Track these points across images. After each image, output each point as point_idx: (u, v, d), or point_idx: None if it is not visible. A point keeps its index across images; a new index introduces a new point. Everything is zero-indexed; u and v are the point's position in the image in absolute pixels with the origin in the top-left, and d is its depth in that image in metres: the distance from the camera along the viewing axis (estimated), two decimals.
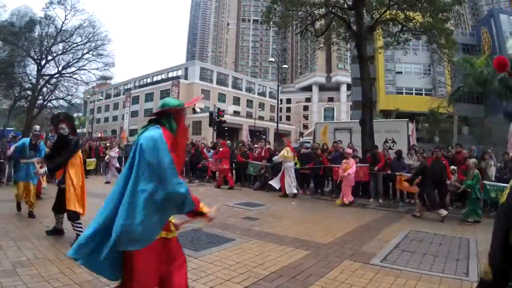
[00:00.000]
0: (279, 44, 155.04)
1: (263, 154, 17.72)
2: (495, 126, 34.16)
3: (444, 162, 12.49)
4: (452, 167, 12.65)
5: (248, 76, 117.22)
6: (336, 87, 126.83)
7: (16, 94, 41.38)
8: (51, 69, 42.09)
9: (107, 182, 16.79)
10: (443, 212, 10.81)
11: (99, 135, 66.96)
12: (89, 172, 18.67)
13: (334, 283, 5.07)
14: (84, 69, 43.52)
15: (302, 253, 6.49)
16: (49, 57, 41.07)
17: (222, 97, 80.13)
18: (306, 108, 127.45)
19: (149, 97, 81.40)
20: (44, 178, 11.02)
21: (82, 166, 7.00)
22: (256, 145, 19.75)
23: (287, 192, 14.57)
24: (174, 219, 3.27)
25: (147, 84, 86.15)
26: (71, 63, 42.51)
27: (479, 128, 37.01)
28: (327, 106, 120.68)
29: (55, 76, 41.98)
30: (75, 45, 42.20)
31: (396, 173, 13.73)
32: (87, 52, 42.89)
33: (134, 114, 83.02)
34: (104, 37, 43.16)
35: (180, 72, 79.37)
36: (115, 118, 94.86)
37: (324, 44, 22.88)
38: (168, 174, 2.86)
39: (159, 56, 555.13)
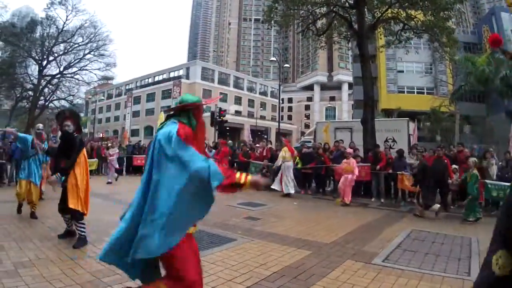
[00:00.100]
0: (281, 43, 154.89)
1: (264, 154, 17.75)
2: (497, 124, 34.16)
3: (445, 161, 12.49)
4: (454, 166, 12.64)
5: (250, 75, 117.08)
6: (338, 86, 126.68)
7: (18, 95, 41.48)
8: (52, 69, 42.28)
9: (109, 183, 16.81)
10: (436, 206, 10.90)
11: (101, 136, 66.99)
12: (90, 172, 18.63)
13: (336, 283, 5.07)
14: (86, 70, 43.71)
15: (304, 253, 6.48)
16: (51, 58, 41.19)
17: (223, 97, 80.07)
18: (307, 107, 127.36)
19: (150, 97, 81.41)
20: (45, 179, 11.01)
21: (87, 165, 6.96)
22: (257, 145, 19.76)
23: (284, 192, 14.63)
24: None
25: (148, 84, 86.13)
26: (72, 64, 42.65)
27: (481, 127, 37.01)
28: (329, 105, 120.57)
29: (57, 76, 42.10)
30: (76, 45, 42.33)
31: (397, 172, 13.72)
32: (89, 53, 43.07)
33: (135, 114, 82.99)
34: (105, 37, 43.34)
35: (181, 72, 79.31)
36: (116, 118, 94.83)
37: (325, 43, 22.90)
38: (189, 156, 2.91)
39: (161, 56, 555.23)
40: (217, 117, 28.44)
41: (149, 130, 76.16)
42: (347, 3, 18.74)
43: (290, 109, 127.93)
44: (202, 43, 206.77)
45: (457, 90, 38.55)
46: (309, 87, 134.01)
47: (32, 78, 41.25)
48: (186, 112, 3.24)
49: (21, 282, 4.57)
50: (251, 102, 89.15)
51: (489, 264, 2.83)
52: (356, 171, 13.21)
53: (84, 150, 7.00)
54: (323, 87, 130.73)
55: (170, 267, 3.01)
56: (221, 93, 79.40)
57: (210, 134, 36.76)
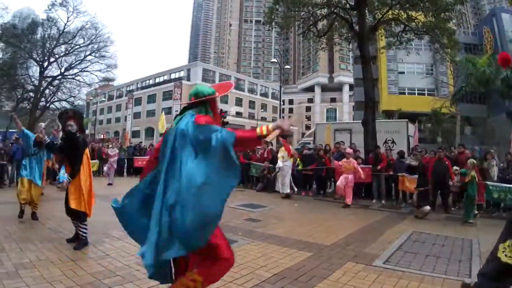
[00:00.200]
0: (281, 44, 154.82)
1: (265, 155, 17.75)
2: (498, 125, 34.16)
3: (446, 162, 12.48)
4: (455, 167, 12.62)
5: (251, 77, 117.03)
6: (339, 88, 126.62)
7: (19, 96, 41.53)
8: (53, 71, 42.37)
9: (110, 184, 16.82)
10: (426, 208, 10.98)
11: (102, 137, 67.06)
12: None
13: (337, 285, 5.06)
14: (87, 71, 43.79)
15: (304, 254, 6.48)
16: (52, 59, 41.28)
17: (224, 98, 79.76)
18: (308, 108, 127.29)
19: (151, 98, 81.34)
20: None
21: (90, 165, 6.95)
22: (258, 147, 19.76)
23: (280, 191, 14.70)
24: None
25: (149, 86, 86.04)
26: (73, 65, 42.73)
27: (482, 128, 36.96)
28: (330, 106, 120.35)
29: (58, 78, 42.17)
30: (77, 47, 42.42)
31: (398, 174, 13.71)
32: (90, 54, 43.15)
33: (136, 115, 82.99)
34: (106, 38, 43.43)
35: (182, 74, 79.28)
36: (117, 120, 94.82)
37: (326, 44, 22.91)
38: (210, 133, 2.92)
39: (162, 57, 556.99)
40: None
41: (150, 131, 76.11)
42: (348, 5, 18.77)
43: (291, 110, 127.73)
44: (203, 45, 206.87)
45: (458, 91, 38.54)
46: (310, 89, 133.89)
47: (33, 80, 41.36)
48: (203, 104, 3.29)
49: (22, 283, 4.57)
50: (252, 104, 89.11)
51: (496, 251, 2.86)
52: (360, 170, 13.23)
53: (87, 150, 6.97)
54: (324, 88, 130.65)
55: (203, 250, 3.03)
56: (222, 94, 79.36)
57: None
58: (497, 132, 32.77)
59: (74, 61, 42.81)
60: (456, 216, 11.17)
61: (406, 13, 18.20)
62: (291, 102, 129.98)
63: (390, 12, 18.19)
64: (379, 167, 14.31)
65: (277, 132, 3.05)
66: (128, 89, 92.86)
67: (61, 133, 9.74)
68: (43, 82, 41.17)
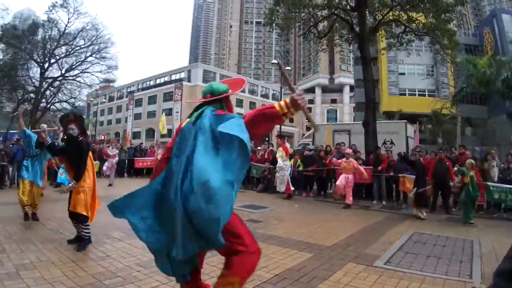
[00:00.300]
0: (282, 46, 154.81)
1: (266, 156, 17.75)
2: (499, 126, 34.14)
3: (447, 163, 12.48)
4: (456, 168, 12.62)
5: (251, 78, 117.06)
6: (339, 89, 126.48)
7: (20, 97, 41.59)
8: (54, 72, 42.46)
9: (110, 185, 16.81)
10: (423, 213, 11.13)
11: (102, 138, 67.16)
12: None
13: (338, 286, 5.06)
14: (87, 72, 43.89)
15: (305, 255, 6.47)
16: (52, 60, 41.36)
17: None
18: (309, 109, 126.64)
19: (152, 99, 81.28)
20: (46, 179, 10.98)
21: (93, 169, 6.89)
22: (259, 147, 19.74)
23: (277, 190, 14.77)
24: None
25: (150, 87, 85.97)
26: (74, 66, 42.79)
27: (482, 129, 36.92)
28: (330, 107, 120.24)
29: (58, 79, 42.25)
30: (78, 48, 42.49)
31: (399, 174, 13.71)
32: (90, 55, 43.22)
33: (137, 116, 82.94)
34: (107, 40, 43.49)
35: (183, 75, 79.21)
36: (118, 121, 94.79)
37: (327, 45, 22.92)
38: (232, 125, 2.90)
39: (162, 58, 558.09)
40: None
41: (150, 132, 76.09)
42: (348, 6, 18.77)
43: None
44: (203, 46, 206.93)
45: (459, 92, 38.51)
46: (311, 90, 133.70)
47: (33, 81, 41.43)
48: (218, 102, 3.27)
49: (23, 284, 4.58)
50: (252, 105, 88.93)
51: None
52: (362, 169, 13.25)
53: (90, 154, 6.91)
54: (325, 89, 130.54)
55: (232, 236, 3.05)
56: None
57: None
58: (498, 133, 32.75)
59: (74, 62, 42.93)
60: (457, 217, 11.17)
61: (406, 14, 18.22)
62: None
63: (390, 13, 18.20)
64: (379, 168, 14.32)
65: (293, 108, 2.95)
66: (128, 90, 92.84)
67: (61, 134, 9.72)
68: (44, 83, 41.26)
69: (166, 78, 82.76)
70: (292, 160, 16.19)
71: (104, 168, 17.90)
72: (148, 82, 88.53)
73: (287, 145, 16.31)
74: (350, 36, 20.62)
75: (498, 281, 2.92)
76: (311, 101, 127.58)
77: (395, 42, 20.05)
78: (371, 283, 5.18)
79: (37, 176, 8.51)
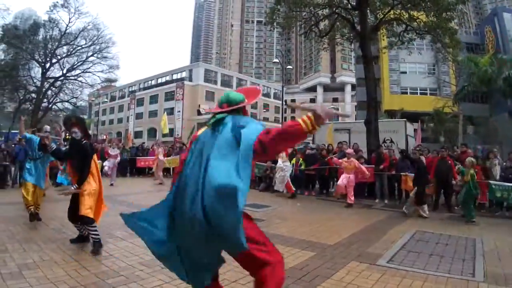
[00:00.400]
0: (283, 45, 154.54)
1: None
2: (500, 125, 34.13)
3: (449, 162, 12.49)
4: (458, 166, 12.61)
5: (253, 77, 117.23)
6: (341, 88, 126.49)
7: (21, 97, 41.57)
8: (55, 72, 42.43)
9: (111, 184, 16.81)
10: (426, 212, 11.19)
11: (104, 137, 67.13)
12: None
13: (341, 284, 5.06)
14: (89, 72, 43.83)
15: (308, 254, 6.48)
16: (54, 60, 41.35)
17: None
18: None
19: (153, 99, 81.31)
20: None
21: (98, 171, 6.80)
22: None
23: (275, 188, 14.79)
24: None
25: (151, 86, 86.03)
26: (75, 66, 42.77)
27: (484, 127, 36.88)
28: (332, 106, 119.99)
29: (60, 78, 42.23)
30: (79, 47, 42.46)
31: (401, 173, 13.71)
32: (92, 55, 43.19)
33: (139, 116, 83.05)
34: (108, 39, 43.44)
35: (184, 74, 79.27)
36: (120, 120, 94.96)
37: (328, 44, 22.93)
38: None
39: (164, 58, 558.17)
40: None
41: (152, 132, 76.18)
42: (349, 5, 18.72)
43: (293, 110, 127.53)
44: (204, 45, 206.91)
45: (460, 90, 38.45)
46: (312, 89, 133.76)
47: (35, 81, 41.39)
48: (235, 111, 3.21)
49: (26, 283, 4.58)
50: (254, 104, 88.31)
51: None
52: (364, 168, 13.24)
53: (95, 156, 6.86)
54: (326, 88, 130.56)
55: (254, 243, 3.01)
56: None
57: None
58: (500, 131, 32.75)
59: (76, 62, 42.91)
60: (459, 215, 11.15)
61: (407, 13, 18.20)
62: (293, 102, 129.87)
63: (391, 12, 18.18)
64: (381, 166, 14.30)
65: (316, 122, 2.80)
66: (130, 89, 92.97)
67: (63, 134, 9.68)
68: (45, 83, 41.24)
69: (168, 78, 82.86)
70: (294, 159, 16.18)
71: (106, 168, 17.91)
72: (150, 82, 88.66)
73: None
74: (351, 35, 20.60)
75: None
76: (313, 100, 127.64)
77: (396, 40, 20.04)
78: (373, 282, 5.18)
79: (40, 178, 8.48)
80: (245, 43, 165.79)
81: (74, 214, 6.39)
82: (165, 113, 36.86)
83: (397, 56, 46.06)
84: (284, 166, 14.79)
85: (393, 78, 49.04)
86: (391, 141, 18.45)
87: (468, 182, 10.69)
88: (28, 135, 8.70)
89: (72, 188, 6.37)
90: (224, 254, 3.15)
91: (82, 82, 44.01)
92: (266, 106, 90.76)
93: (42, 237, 6.94)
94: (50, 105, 43.67)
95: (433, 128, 41.78)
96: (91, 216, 6.23)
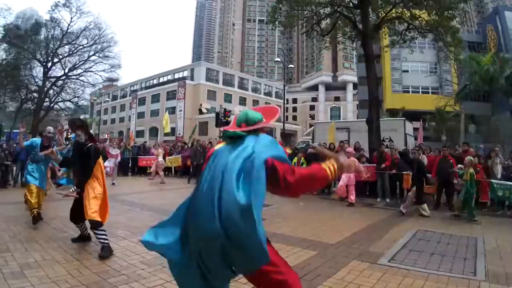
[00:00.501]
0: (285, 44, 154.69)
1: None
2: (502, 123, 34.09)
3: (451, 161, 12.47)
4: (459, 166, 12.60)
5: (254, 76, 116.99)
6: (343, 87, 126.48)
7: (23, 97, 41.60)
8: (57, 71, 42.47)
9: (113, 184, 16.83)
10: (427, 210, 11.21)
11: (106, 137, 67.23)
12: None
13: (342, 283, 5.06)
14: (91, 71, 43.89)
15: (309, 253, 6.49)
16: (55, 60, 41.37)
17: (228, 98, 79.92)
18: (312, 107, 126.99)
19: (155, 98, 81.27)
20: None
21: (103, 175, 6.73)
22: None
23: None
24: None
25: (153, 86, 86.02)
26: (77, 65, 42.80)
27: (486, 126, 36.86)
28: (334, 105, 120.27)
29: (62, 78, 42.25)
30: (81, 47, 42.50)
31: (403, 172, 13.71)
32: (93, 54, 43.22)
33: (140, 115, 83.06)
34: (110, 39, 43.48)
35: (186, 73, 79.23)
36: (121, 120, 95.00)
37: (330, 43, 22.89)
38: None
39: (165, 57, 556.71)
40: (222, 118, 28.45)
41: (154, 131, 76.19)
42: (351, 3, 18.71)
43: (294, 109, 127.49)
44: (206, 44, 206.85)
45: (462, 89, 38.42)
46: (314, 88, 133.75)
47: (37, 80, 41.41)
48: (253, 131, 3.10)
49: (27, 283, 4.59)
50: (255, 103, 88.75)
51: None
52: (362, 169, 13.22)
53: (101, 159, 6.77)
54: (328, 87, 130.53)
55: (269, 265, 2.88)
56: (225, 94, 79.54)
57: (215, 135, 36.79)
58: (502, 130, 32.71)
59: (77, 62, 42.94)
60: (461, 214, 11.13)
61: (409, 11, 18.18)
62: (295, 101, 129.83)
63: (393, 10, 18.16)
64: (383, 165, 14.29)
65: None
66: (132, 89, 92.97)
67: (65, 133, 9.67)
68: (47, 82, 41.27)
69: (169, 77, 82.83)
70: (296, 158, 16.17)
71: (107, 168, 17.95)
72: (152, 81, 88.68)
73: (288, 151, 16.29)
74: (353, 33, 20.57)
75: None
76: (314, 99, 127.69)
77: (398, 39, 20.03)
78: (375, 281, 5.18)
79: (43, 181, 8.48)
80: (246, 42, 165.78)
81: (76, 215, 6.38)
82: (167, 112, 36.91)
83: (399, 54, 46.08)
84: None
85: (395, 77, 49.04)
86: (390, 140, 18.47)
87: (467, 181, 10.70)
88: (26, 144, 8.65)
89: (71, 189, 6.35)
90: None
91: (83, 82, 44.11)
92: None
93: (44, 237, 6.96)
94: (52, 105, 43.70)
95: (434, 127, 41.81)
96: (98, 219, 6.16)
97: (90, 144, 6.49)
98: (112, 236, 7.03)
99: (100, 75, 44.72)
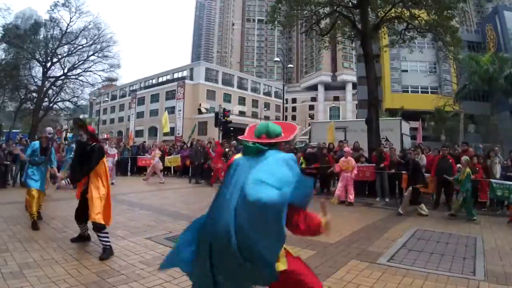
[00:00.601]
0: (284, 43, 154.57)
1: None
2: (501, 123, 34.14)
3: (450, 160, 12.47)
4: (459, 165, 12.60)
5: (254, 76, 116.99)
6: (342, 86, 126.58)
7: (22, 97, 41.54)
8: (56, 71, 42.38)
9: (111, 183, 16.80)
10: (425, 209, 11.28)
11: (105, 137, 67.21)
12: None
13: (341, 283, 5.06)
14: (90, 71, 43.78)
15: (308, 253, 6.49)
16: (55, 59, 41.30)
17: (227, 97, 79.99)
18: (311, 107, 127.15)
19: (154, 98, 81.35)
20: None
21: (107, 175, 6.71)
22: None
23: None
24: None
25: (152, 85, 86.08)
26: (76, 65, 42.71)
27: (485, 126, 36.90)
28: (333, 105, 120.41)
29: (61, 78, 42.18)
30: (80, 47, 42.41)
31: (402, 172, 13.71)
32: (93, 54, 43.14)
33: (139, 115, 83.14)
34: (109, 38, 43.37)
35: (185, 73, 79.22)
36: (121, 119, 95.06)
37: (329, 43, 22.88)
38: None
39: (164, 57, 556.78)
40: (221, 118, 28.47)
41: (153, 131, 76.31)
42: (350, 3, 18.70)
43: (294, 109, 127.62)
44: (205, 44, 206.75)
45: (461, 89, 38.51)
46: (313, 87, 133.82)
47: (36, 80, 41.32)
48: (273, 145, 3.06)
49: (26, 282, 4.60)
50: (255, 103, 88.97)
51: None
52: (355, 171, 13.26)
53: (105, 159, 6.74)
54: (327, 87, 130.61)
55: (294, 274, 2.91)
56: (224, 93, 79.53)
57: (215, 135, 36.79)
58: (501, 130, 32.75)
59: (77, 61, 42.84)
60: (460, 214, 11.12)
61: (409, 11, 18.16)
62: (294, 101, 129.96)
63: (392, 10, 18.15)
64: (382, 165, 14.29)
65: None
66: (131, 88, 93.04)
67: (64, 133, 9.65)
68: (46, 82, 41.19)
69: (169, 77, 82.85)
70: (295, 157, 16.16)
71: (113, 175, 17.98)
72: (151, 81, 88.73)
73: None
74: (352, 33, 20.56)
75: None
76: (314, 99, 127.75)
77: (397, 39, 20.03)
78: (374, 280, 5.19)
79: (44, 183, 8.47)
80: (246, 41, 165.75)
81: (81, 215, 6.36)
82: (166, 111, 36.90)
83: (398, 54, 46.13)
84: None
85: (394, 77, 49.04)
86: (386, 140, 18.49)
87: (464, 180, 10.73)
88: (29, 152, 8.57)
89: (63, 182, 6.34)
90: None
91: (83, 81, 43.99)
92: (267, 105, 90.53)
93: (43, 236, 6.95)
94: (51, 105, 43.62)
95: (434, 126, 41.83)
96: (101, 222, 6.10)
97: (94, 144, 6.48)
98: (111, 236, 7.00)
99: (99, 75, 44.67)
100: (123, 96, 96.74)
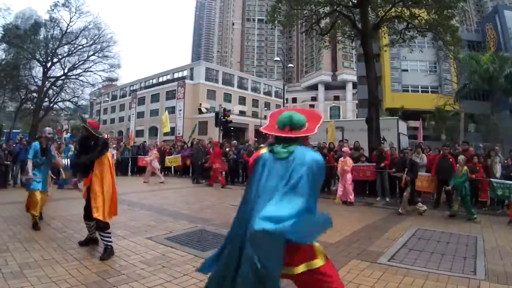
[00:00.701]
0: (284, 43, 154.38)
1: None
2: (502, 122, 34.14)
3: (451, 159, 12.46)
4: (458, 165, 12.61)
5: (254, 75, 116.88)
6: (342, 86, 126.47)
7: (22, 97, 41.52)
8: (56, 71, 42.34)
9: None
10: (423, 206, 11.31)
11: (106, 136, 67.06)
12: None
13: None
14: (90, 71, 43.72)
15: None
16: (55, 59, 41.26)
17: (228, 97, 79.97)
18: (312, 107, 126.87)
19: (155, 98, 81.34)
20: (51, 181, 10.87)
21: (112, 171, 6.47)
22: (262, 145, 19.76)
23: None
24: None
25: (153, 85, 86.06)
26: (76, 65, 42.67)
27: (486, 125, 36.91)
28: (333, 104, 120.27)
29: (61, 78, 42.14)
30: (80, 47, 42.36)
31: (401, 174, 13.71)
32: (93, 54, 43.09)
33: (140, 115, 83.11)
34: (109, 38, 43.32)
35: (185, 73, 79.19)
36: (121, 119, 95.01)
37: (329, 42, 22.86)
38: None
39: (165, 57, 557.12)
40: (222, 117, 28.45)
41: (153, 130, 76.29)
42: (350, 2, 18.68)
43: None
44: (206, 44, 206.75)
45: (462, 88, 38.52)
46: (314, 87, 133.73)
47: (36, 80, 41.29)
48: (298, 139, 3.00)
49: (27, 282, 4.59)
50: (255, 102, 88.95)
51: None
52: (349, 175, 13.28)
53: (109, 154, 6.57)
54: (328, 86, 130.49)
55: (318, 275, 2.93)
56: (225, 93, 79.51)
57: (215, 135, 36.78)
58: (501, 129, 32.75)
59: (77, 62, 42.79)
60: (460, 213, 11.12)
61: (409, 10, 18.15)
62: (294, 100, 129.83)
63: (393, 9, 18.14)
64: (382, 164, 14.28)
65: None
66: (131, 88, 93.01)
67: (65, 133, 9.66)
68: (47, 82, 41.16)
69: (169, 77, 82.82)
70: None
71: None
72: (151, 81, 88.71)
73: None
74: (352, 32, 20.54)
75: None
76: (314, 98, 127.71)
77: (397, 38, 20.01)
78: (375, 280, 5.18)
79: (45, 184, 8.45)
80: (246, 41, 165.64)
81: (88, 213, 6.27)
82: (166, 111, 36.88)
83: (399, 54, 46.11)
84: None
85: (394, 76, 49.02)
86: (383, 139, 18.50)
87: (460, 181, 10.74)
88: (30, 156, 8.50)
89: (72, 180, 6.31)
90: None
91: (83, 81, 43.94)
92: (267, 105, 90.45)
93: (43, 236, 6.95)
94: (51, 105, 43.60)
95: (434, 126, 41.83)
96: (102, 219, 5.99)
97: (99, 136, 6.41)
98: (112, 235, 7.02)
99: (99, 75, 44.62)
100: (123, 96, 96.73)
